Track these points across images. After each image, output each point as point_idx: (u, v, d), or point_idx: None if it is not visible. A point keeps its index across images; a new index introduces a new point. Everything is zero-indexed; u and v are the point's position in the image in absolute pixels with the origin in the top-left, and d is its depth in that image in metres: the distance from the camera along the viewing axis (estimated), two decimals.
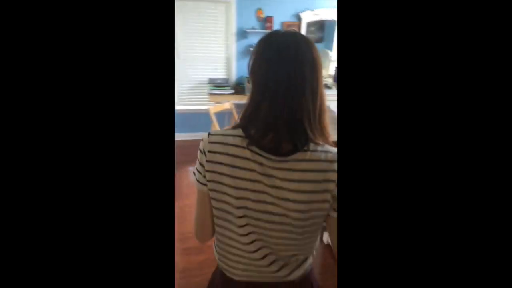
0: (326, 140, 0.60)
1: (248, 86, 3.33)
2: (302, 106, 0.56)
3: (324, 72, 4.16)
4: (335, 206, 0.60)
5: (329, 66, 4.11)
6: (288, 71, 0.55)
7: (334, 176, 0.58)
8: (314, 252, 0.72)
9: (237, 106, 2.99)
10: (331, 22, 3.66)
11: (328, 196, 0.58)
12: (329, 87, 3.55)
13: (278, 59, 0.55)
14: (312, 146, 0.58)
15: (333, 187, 0.58)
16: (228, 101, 2.96)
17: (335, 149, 0.59)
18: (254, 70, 0.59)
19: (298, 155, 0.57)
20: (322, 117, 0.59)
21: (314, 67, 0.57)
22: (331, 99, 3.44)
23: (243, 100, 3.23)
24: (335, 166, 0.58)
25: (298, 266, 0.68)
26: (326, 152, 0.59)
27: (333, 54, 4.04)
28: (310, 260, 0.72)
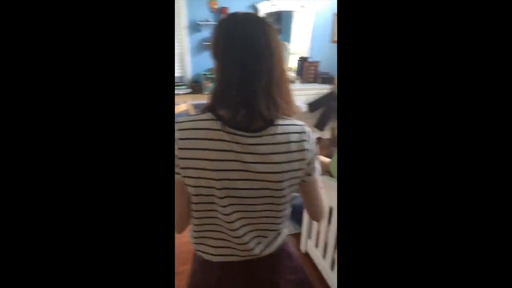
0: (293, 114, 0.65)
1: (205, 84, 3.08)
2: (271, 84, 0.59)
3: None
4: (308, 171, 0.67)
5: (289, 58, 3.98)
6: (256, 53, 0.57)
7: (306, 145, 0.64)
8: (287, 223, 0.77)
9: (196, 106, 2.71)
10: (288, 13, 3.52)
11: (303, 164, 0.64)
12: (292, 82, 3.40)
13: (244, 42, 0.58)
14: (281, 121, 0.63)
15: (306, 155, 0.64)
16: (184, 102, 2.67)
17: (301, 122, 0.66)
18: (219, 54, 0.61)
19: (271, 130, 0.61)
20: (288, 94, 0.64)
21: (278, 46, 0.61)
22: (295, 94, 3.30)
23: (202, 100, 2.95)
24: (304, 136, 0.64)
25: (275, 239, 0.72)
26: (294, 125, 0.64)
27: (292, 46, 3.92)
28: (285, 232, 0.76)
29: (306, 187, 0.71)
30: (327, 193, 1.49)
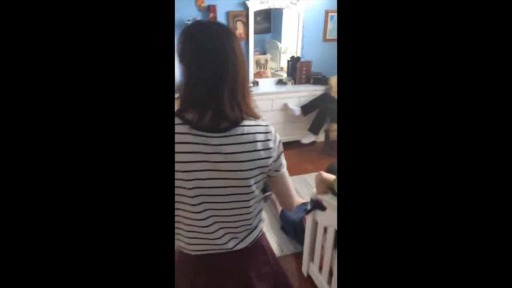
0: (259, 117, 0.70)
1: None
2: (236, 87, 0.64)
3: (275, 65, 3.88)
4: (276, 168, 0.73)
5: (280, 58, 3.84)
6: (222, 58, 0.62)
7: (271, 144, 0.69)
8: (263, 217, 0.82)
9: None
10: (277, 10, 3.36)
11: (269, 162, 0.69)
12: (284, 83, 3.27)
13: (210, 47, 0.62)
14: (247, 121, 0.67)
15: (271, 153, 0.69)
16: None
17: (265, 122, 0.70)
18: (186, 60, 0.64)
19: (236, 130, 0.65)
20: (249, 97, 0.69)
21: (241, 52, 0.66)
22: (288, 96, 3.15)
23: None
24: (270, 136, 0.69)
25: (249, 234, 0.76)
26: (259, 125, 0.68)
27: (283, 45, 3.78)
28: (260, 226, 0.81)
29: (275, 182, 0.78)
30: (331, 214, 1.39)
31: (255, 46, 3.23)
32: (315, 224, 1.48)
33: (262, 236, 0.82)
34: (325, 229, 1.40)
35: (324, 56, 3.47)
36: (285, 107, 3.09)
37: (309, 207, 1.49)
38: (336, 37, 3.41)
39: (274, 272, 0.83)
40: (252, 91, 3.00)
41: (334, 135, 3.03)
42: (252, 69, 3.27)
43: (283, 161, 0.76)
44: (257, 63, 3.37)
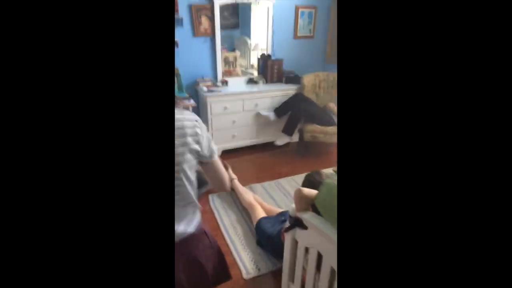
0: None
1: None
2: None
3: (245, 62, 3.69)
4: (206, 155, 0.83)
5: (250, 55, 3.65)
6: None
7: (199, 130, 0.78)
8: (198, 205, 0.89)
9: None
10: (245, 5, 3.18)
11: (199, 147, 0.79)
12: (255, 82, 3.09)
13: None
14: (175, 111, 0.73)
15: (200, 139, 0.79)
16: None
17: (195, 115, 0.80)
18: None
19: None
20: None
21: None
22: (260, 96, 2.96)
23: None
24: (197, 124, 0.79)
25: (191, 220, 0.84)
26: (186, 115, 0.77)
27: (253, 42, 3.60)
28: (198, 212, 0.89)
29: (208, 168, 0.88)
30: (313, 234, 1.24)
31: (222, 43, 3.02)
32: (295, 242, 1.32)
33: (202, 224, 0.90)
34: (307, 249, 1.25)
35: (296, 54, 3.33)
36: (258, 116, 2.93)
37: (287, 223, 1.34)
38: (307, 34, 3.28)
39: (215, 254, 0.93)
40: (221, 91, 2.79)
41: (308, 135, 2.91)
42: (220, 67, 3.06)
43: (214, 147, 0.86)
44: (226, 60, 3.16)
